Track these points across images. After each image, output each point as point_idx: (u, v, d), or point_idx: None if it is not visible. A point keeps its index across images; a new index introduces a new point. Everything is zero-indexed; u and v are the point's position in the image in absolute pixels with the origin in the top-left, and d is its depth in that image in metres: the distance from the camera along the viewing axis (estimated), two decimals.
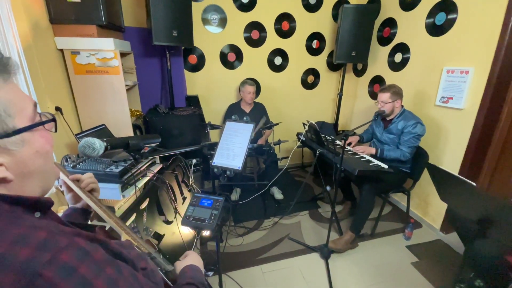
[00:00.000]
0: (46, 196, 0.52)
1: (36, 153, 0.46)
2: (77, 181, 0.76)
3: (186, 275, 0.71)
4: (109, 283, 0.40)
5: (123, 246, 0.51)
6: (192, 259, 0.79)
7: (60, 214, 0.79)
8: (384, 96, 2.15)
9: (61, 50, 1.75)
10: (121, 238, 0.68)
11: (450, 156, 2.25)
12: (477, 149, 2.05)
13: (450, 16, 2.15)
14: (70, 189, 0.77)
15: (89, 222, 0.79)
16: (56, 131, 0.53)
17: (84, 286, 0.37)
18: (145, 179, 1.56)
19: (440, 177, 1.52)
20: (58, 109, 1.67)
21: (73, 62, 1.77)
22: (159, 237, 1.62)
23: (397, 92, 2.13)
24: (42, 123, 0.47)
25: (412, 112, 2.19)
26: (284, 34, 3.20)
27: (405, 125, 2.10)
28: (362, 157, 2.15)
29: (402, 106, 2.21)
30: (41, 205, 0.47)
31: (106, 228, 0.74)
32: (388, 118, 2.25)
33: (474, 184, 1.23)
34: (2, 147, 0.41)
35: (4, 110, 0.40)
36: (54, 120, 0.52)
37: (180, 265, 0.75)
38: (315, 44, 3.35)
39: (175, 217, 1.77)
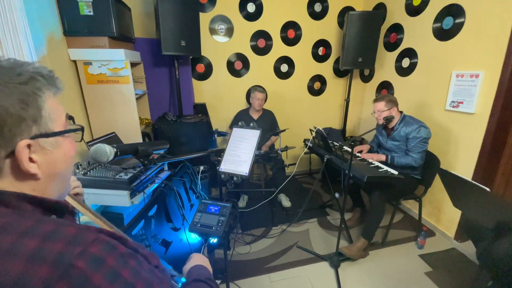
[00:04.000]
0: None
1: (63, 156, 0.52)
2: None
3: (193, 274, 0.76)
4: (134, 274, 0.44)
5: (137, 244, 0.55)
6: (196, 259, 0.82)
7: None
8: (380, 105, 2.15)
9: (74, 61, 1.81)
10: None
11: (462, 161, 2.19)
12: (490, 154, 1.99)
13: (457, 20, 2.14)
14: None
15: None
16: (81, 140, 0.60)
17: (112, 275, 0.41)
18: (154, 186, 1.58)
19: (453, 183, 1.48)
20: (70, 117, 1.71)
21: (86, 73, 1.83)
22: (166, 244, 1.62)
23: (391, 100, 2.14)
24: (74, 130, 0.56)
25: (413, 117, 2.16)
26: (290, 42, 3.23)
27: (408, 131, 2.08)
28: (371, 163, 2.12)
29: (402, 112, 2.19)
30: (59, 208, 0.52)
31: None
32: (390, 126, 2.22)
33: (488, 189, 1.20)
34: (41, 146, 0.47)
35: (49, 115, 0.48)
36: (82, 129, 0.60)
37: (186, 268, 0.79)
38: (321, 51, 3.37)
39: (182, 224, 1.77)
